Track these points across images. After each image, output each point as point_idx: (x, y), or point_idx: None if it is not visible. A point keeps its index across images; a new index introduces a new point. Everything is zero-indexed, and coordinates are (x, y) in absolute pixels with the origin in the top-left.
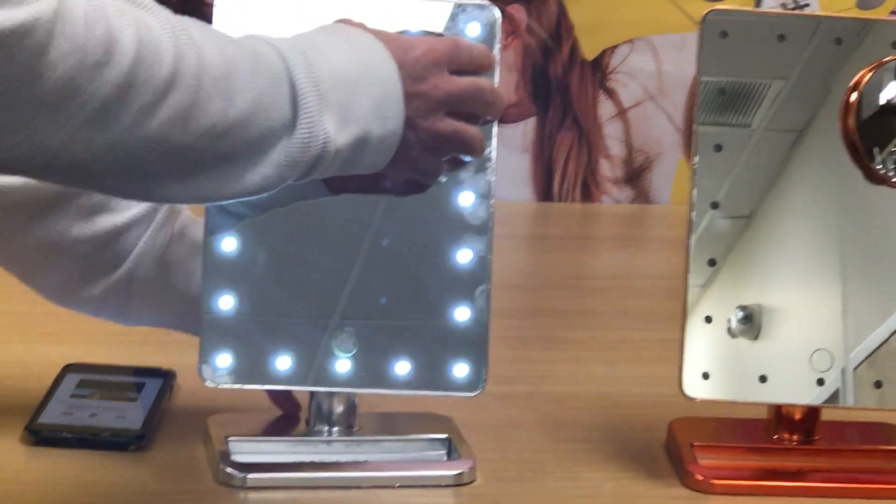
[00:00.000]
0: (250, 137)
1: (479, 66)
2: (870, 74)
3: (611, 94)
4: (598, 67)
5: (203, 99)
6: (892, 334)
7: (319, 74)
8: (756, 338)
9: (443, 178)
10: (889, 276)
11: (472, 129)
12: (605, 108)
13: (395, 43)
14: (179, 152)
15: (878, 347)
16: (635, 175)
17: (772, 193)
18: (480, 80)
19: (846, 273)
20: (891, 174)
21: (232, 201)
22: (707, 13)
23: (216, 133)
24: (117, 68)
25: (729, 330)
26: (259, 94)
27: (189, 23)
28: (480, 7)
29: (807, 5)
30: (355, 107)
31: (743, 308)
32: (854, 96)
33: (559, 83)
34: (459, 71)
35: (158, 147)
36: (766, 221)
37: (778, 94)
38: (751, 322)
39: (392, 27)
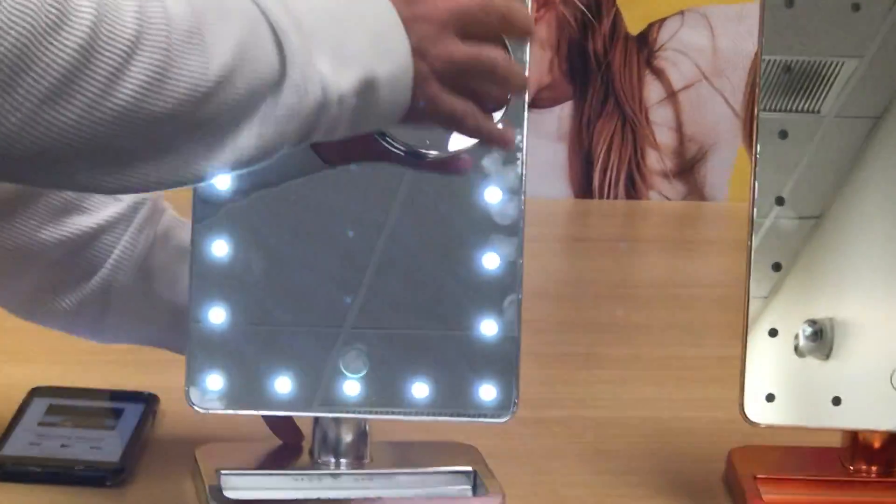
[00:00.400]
0: (238, 95)
1: (508, 25)
2: None
3: (659, 74)
4: (645, 43)
5: (176, 57)
6: None
7: (299, 12)
8: (827, 356)
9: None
10: None
11: (496, 52)
12: (653, 90)
13: None
14: (158, 123)
15: None
16: (688, 168)
17: (845, 190)
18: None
19: None
20: None
21: (225, 175)
22: None
23: (198, 95)
24: (75, 31)
25: (796, 348)
26: (238, 42)
27: None
28: None
29: None
30: (349, 45)
31: (812, 322)
32: None
33: (599, 62)
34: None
35: (132, 120)
36: (838, 222)
37: (851, 74)
38: (821, 338)
39: None
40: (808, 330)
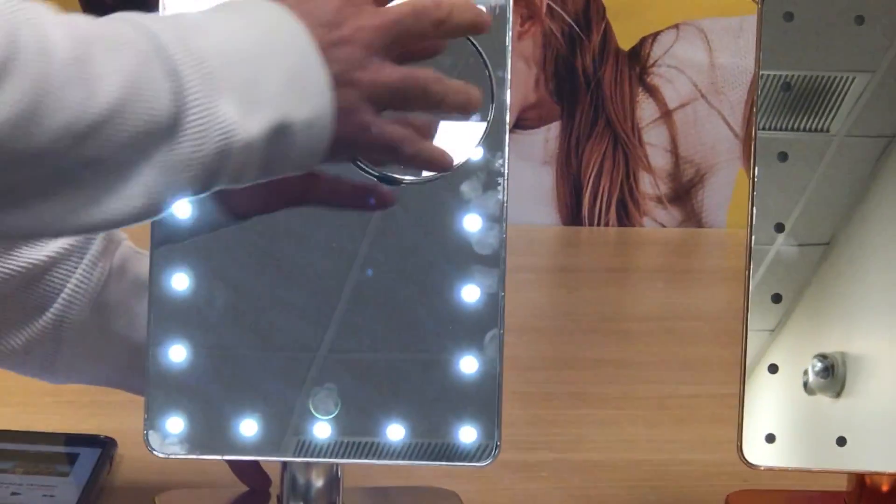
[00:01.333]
0: (126, 136)
1: (455, 26)
2: None
3: (653, 92)
4: (637, 59)
5: (53, 88)
6: None
7: (202, 51)
8: (839, 394)
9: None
10: None
11: (425, 72)
12: (646, 109)
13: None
14: (29, 161)
15: None
16: (684, 192)
17: (855, 215)
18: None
19: None
20: None
21: (106, 230)
22: None
23: (77, 132)
24: None
25: (805, 385)
26: (127, 77)
27: (28, 4)
28: None
29: None
30: (260, 85)
31: (823, 357)
32: None
33: (589, 79)
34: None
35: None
36: (848, 250)
37: (863, 90)
38: (832, 375)
39: None
40: (819, 365)
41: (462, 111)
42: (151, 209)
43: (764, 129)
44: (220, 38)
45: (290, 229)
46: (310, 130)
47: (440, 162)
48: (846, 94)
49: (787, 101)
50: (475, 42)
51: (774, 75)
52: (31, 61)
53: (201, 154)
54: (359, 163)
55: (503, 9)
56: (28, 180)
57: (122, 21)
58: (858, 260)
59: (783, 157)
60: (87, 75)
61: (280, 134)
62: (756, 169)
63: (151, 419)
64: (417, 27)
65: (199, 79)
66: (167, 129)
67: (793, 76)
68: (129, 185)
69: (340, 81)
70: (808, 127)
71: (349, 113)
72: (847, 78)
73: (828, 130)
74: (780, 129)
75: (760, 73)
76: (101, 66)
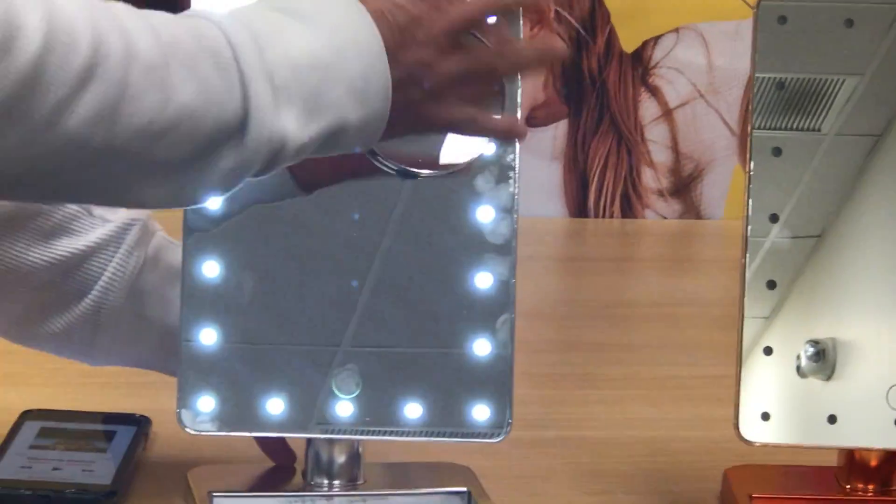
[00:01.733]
0: (195, 138)
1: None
2: None
3: (654, 92)
4: (640, 61)
5: (134, 92)
6: None
7: (275, 61)
8: (829, 377)
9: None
10: None
11: (479, 53)
12: (648, 108)
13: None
14: (108, 156)
15: None
16: (684, 186)
17: (846, 209)
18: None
19: None
20: None
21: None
22: None
23: (152, 133)
24: (21, 57)
25: (798, 368)
26: (204, 85)
27: (118, 5)
28: None
29: None
30: (325, 95)
31: (814, 343)
32: None
33: (594, 80)
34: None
35: (80, 150)
36: (839, 241)
37: (853, 92)
38: (823, 359)
39: None
40: (811, 350)
41: (512, 77)
42: (211, 195)
43: (759, 128)
44: (293, 48)
45: (314, 220)
46: (363, 130)
47: (509, 131)
48: (837, 94)
49: (781, 101)
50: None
51: (769, 77)
52: (115, 66)
53: (258, 158)
54: (378, 157)
55: (515, 15)
56: (105, 171)
57: (203, 25)
58: (848, 251)
59: (777, 152)
60: (165, 82)
61: (334, 134)
62: (752, 164)
63: (184, 398)
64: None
65: (266, 92)
66: (232, 136)
67: (786, 78)
68: (191, 182)
69: (404, 83)
70: (800, 126)
71: (415, 106)
72: (837, 80)
73: (819, 129)
74: (775, 129)
75: (756, 74)
76: (179, 74)
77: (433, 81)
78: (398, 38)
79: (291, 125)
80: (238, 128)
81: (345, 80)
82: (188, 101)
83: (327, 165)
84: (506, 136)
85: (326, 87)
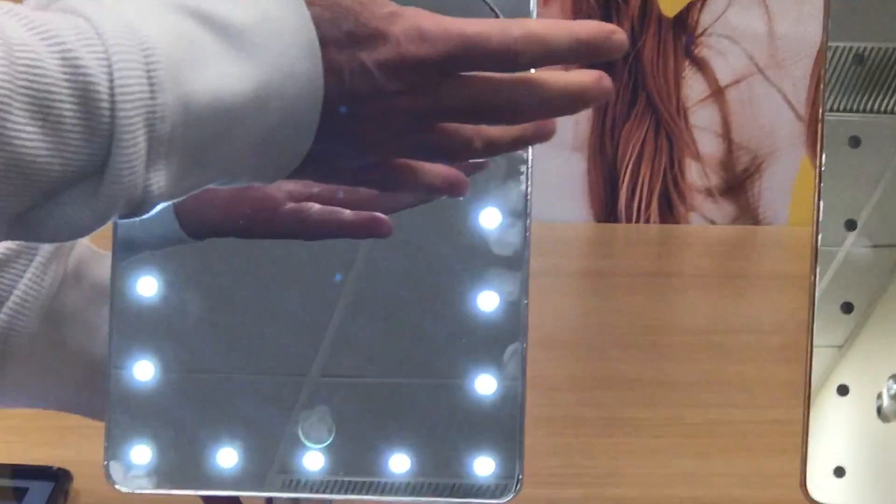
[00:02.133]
0: (30, 190)
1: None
2: None
3: (702, 66)
4: (683, 27)
5: None
6: None
7: (167, 105)
8: None
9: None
10: None
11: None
12: (694, 86)
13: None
14: None
15: None
16: (738, 184)
17: None
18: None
19: None
20: None
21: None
22: None
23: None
24: None
25: (879, 410)
26: (54, 129)
27: None
28: None
29: None
30: (220, 148)
31: None
32: None
33: (627, 52)
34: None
35: None
36: None
37: None
38: None
39: None
40: (895, 388)
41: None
42: (58, 240)
43: (833, 110)
44: (202, 89)
45: None
46: (261, 178)
47: (453, 188)
48: None
49: (860, 78)
50: (494, 8)
51: (845, 47)
52: None
53: (113, 211)
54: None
55: None
56: None
57: (84, 47)
58: None
59: (855, 142)
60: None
61: (219, 183)
62: (823, 156)
63: (113, 448)
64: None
65: (139, 144)
66: (81, 185)
67: (866, 48)
68: (32, 227)
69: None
70: (884, 108)
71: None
72: None
73: None
74: (852, 111)
75: (829, 44)
76: (20, 114)
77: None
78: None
79: (160, 182)
80: (91, 180)
81: (254, 134)
82: (26, 148)
83: (219, 212)
84: (445, 193)
85: (223, 141)
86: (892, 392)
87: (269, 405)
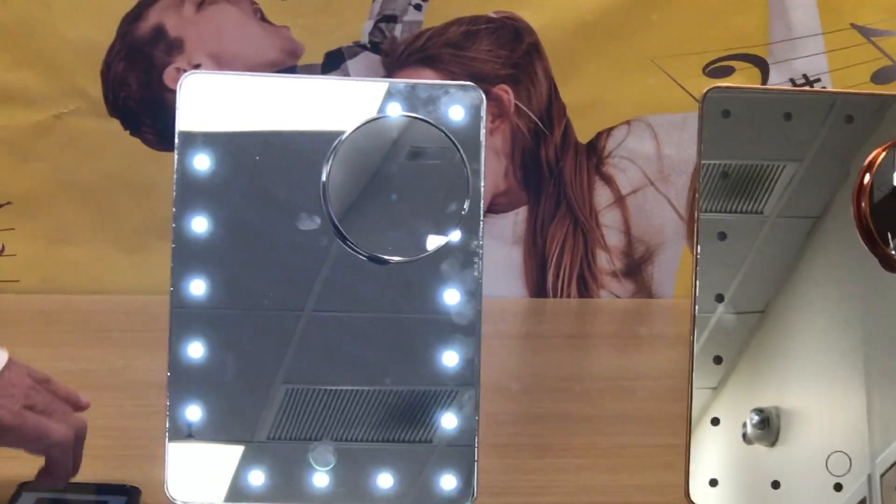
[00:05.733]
0: None
1: None
2: (883, 154)
3: (608, 180)
4: (594, 151)
5: None
6: None
7: None
8: (773, 443)
9: None
10: None
11: None
12: (602, 195)
13: None
14: None
15: None
16: (636, 267)
17: (787, 286)
18: None
19: (870, 371)
20: None
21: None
22: (707, 91)
23: None
24: None
25: (744, 436)
26: None
27: None
28: (463, 88)
29: (818, 80)
30: None
31: (759, 411)
32: (867, 178)
33: (552, 169)
34: None
35: None
36: (781, 317)
37: (793, 176)
38: (768, 426)
39: (365, 114)
40: (756, 418)
41: None
42: None
43: (705, 211)
44: None
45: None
46: None
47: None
48: (778, 179)
49: (726, 187)
50: (455, 140)
51: (714, 164)
52: None
53: None
54: (349, 243)
55: (477, 109)
56: None
57: None
58: (790, 325)
59: (722, 236)
60: None
61: None
62: (698, 247)
63: (172, 472)
64: None
65: None
66: None
67: (730, 165)
68: None
69: None
70: (744, 209)
71: None
72: (778, 166)
73: (762, 212)
74: (720, 212)
75: (702, 162)
76: None
77: None
78: None
79: None
80: None
81: None
82: None
83: None
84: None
85: None
86: (754, 422)
87: (287, 441)
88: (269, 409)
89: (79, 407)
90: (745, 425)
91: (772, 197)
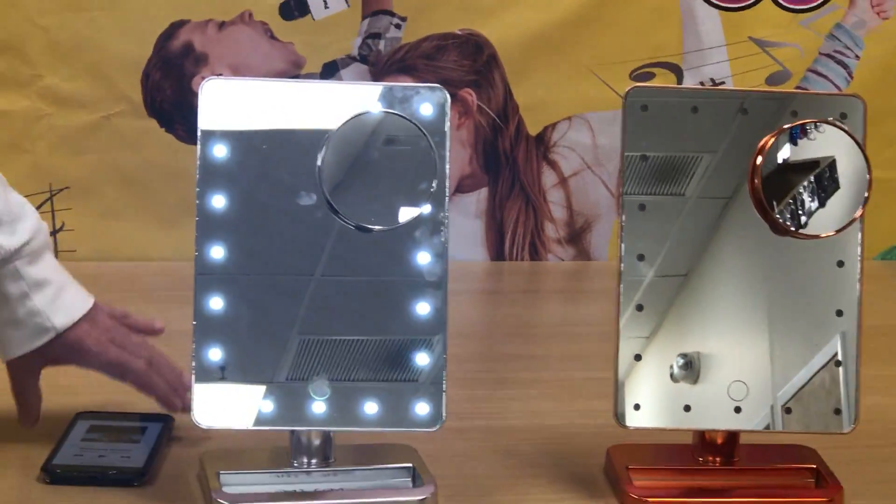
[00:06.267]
0: None
1: None
2: (772, 140)
3: (553, 165)
4: (542, 142)
5: None
6: (814, 375)
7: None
8: (695, 382)
9: None
10: (805, 319)
11: None
12: (549, 177)
13: None
14: None
15: (803, 386)
16: (576, 236)
17: (706, 253)
18: None
19: (773, 320)
20: (790, 225)
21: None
22: (629, 89)
23: None
24: None
25: (671, 375)
26: None
27: None
28: (432, 89)
29: (723, 83)
30: None
31: (683, 355)
32: (759, 159)
33: (507, 157)
34: None
35: None
36: (701, 278)
37: (708, 165)
38: (691, 367)
39: (352, 110)
40: (681, 361)
41: None
42: None
43: (629, 193)
44: None
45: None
46: None
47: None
48: (697, 167)
49: (645, 171)
50: (424, 131)
51: (634, 155)
52: None
53: None
54: (341, 216)
55: (443, 106)
56: None
57: None
58: (708, 285)
59: (642, 207)
60: None
61: None
62: (623, 217)
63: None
64: None
65: None
66: None
67: (649, 154)
68: None
69: None
70: (668, 192)
71: None
72: (698, 157)
73: (684, 194)
74: (643, 194)
75: (625, 153)
76: None
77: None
78: None
79: None
80: None
81: None
82: None
83: None
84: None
85: None
86: (680, 364)
87: (292, 377)
88: (280, 353)
89: (153, 331)
90: (671, 367)
91: (692, 181)
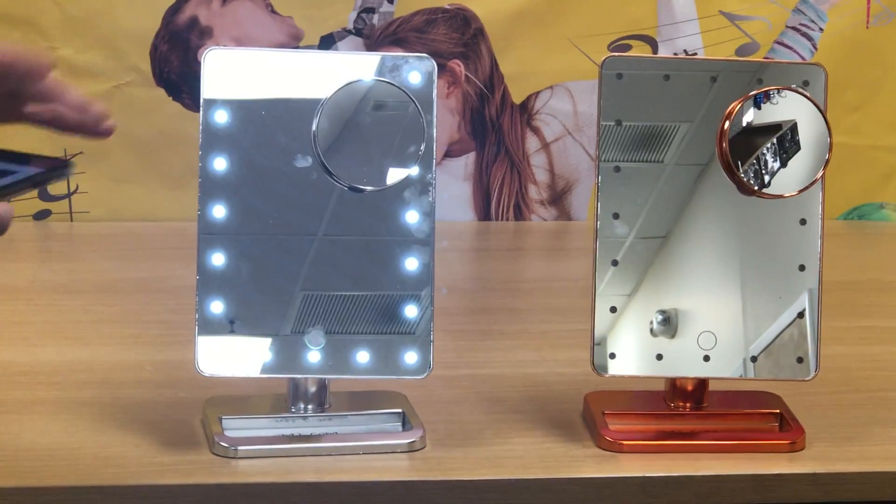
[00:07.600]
0: None
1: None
2: (739, 105)
3: (536, 131)
4: (525, 110)
5: None
6: (784, 329)
7: None
8: (673, 336)
9: None
10: (772, 273)
11: None
12: (532, 142)
13: None
14: None
15: (773, 339)
16: (558, 197)
17: (683, 216)
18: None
19: (745, 278)
20: (755, 184)
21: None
22: (605, 58)
23: None
24: None
25: (651, 331)
26: None
27: None
28: (420, 58)
29: (695, 54)
30: None
31: (662, 312)
32: (727, 124)
33: (494, 123)
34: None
35: None
36: (679, 240)
37: (686, 133)
38: (668, 323)
39: (346, 79)
40: (660, 317)
41: None
42: None
43: (605, 160)
44: None
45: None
46: None
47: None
48: (675, 135)
49: (619, 137)
50: (413, 98)
51: (610, 123)
52: None
53: None
54: (334, 177)
55: (430, 74)
56: None
57: None
58: (686, 246)
59: (617, 169)
60: None
61: None
62: (599, 179)
63: (200, 351)
64: None
65: None
66: None
67: (622, 121)
68: None
69: None
70: (647, 159)
71: None
72: (674, 126)
73: (662, 161)
74: (620, 161)
75: (601, 122)
76: None
77: None
78: None
79: None
80: None
81: None
82: None
83: None
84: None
85: None
86: (659, 320)
87: (289, 328)
88: (284, 307)
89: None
90: (651, 322)
91: (670, 149)
